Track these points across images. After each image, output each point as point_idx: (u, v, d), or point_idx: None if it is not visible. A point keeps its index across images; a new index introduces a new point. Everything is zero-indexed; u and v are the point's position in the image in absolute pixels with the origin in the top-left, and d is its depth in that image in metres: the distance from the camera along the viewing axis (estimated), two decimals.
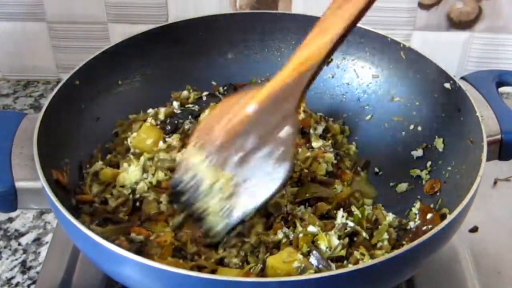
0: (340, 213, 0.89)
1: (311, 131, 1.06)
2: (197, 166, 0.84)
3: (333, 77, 1.13)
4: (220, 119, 0.83)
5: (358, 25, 1.06)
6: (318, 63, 0.75)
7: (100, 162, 0.98)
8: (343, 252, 0.82)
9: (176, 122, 1.06)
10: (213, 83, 1.15)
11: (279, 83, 0.77)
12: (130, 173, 0.95)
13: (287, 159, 0.76)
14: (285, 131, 0.75)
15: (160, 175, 0.95)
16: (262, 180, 0.78)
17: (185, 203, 0.86)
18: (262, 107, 0.78)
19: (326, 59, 0.75)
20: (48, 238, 1.07)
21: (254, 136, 0.78)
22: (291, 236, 0.85)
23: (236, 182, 0.80)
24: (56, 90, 0.93)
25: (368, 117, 1.10)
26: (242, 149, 0.79)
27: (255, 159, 0.78)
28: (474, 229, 1.06)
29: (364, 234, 0.86)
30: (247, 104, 0.80)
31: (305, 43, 0.76)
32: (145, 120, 1.05)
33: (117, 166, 0.99)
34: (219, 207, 0.82)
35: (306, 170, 0.98)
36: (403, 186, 0.99)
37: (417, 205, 0.94)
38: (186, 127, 1.05)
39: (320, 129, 1.07)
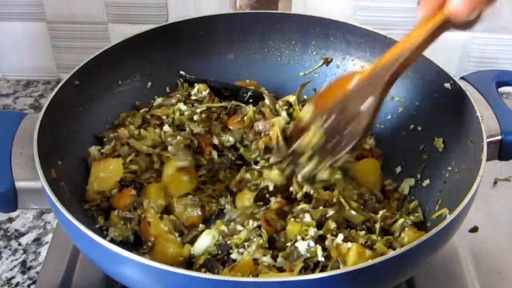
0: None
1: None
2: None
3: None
4: (330, 93, 0.92)
5: (358, 25, 1.07)
6: (411, 50, 0.83)
7: None
8: None
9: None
10: None
11: (377, 65, 0.86)
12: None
13: (360, 126, 0.87)
14: (367, 102, 0.86)
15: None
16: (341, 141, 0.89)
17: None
18: (360, 84, 0.88)
19: (420, 49, 0.85)
20: (48, 238, 1.07)
21: (346, 107, 0.89)
22: None
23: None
24: (56, 90, 0.93)
25: None
26: (334, 115, 0.90)
27: (341, 123, 0.89)
28: (474, 229, 1.06)
29: None
30: (350, 81, 0.90)
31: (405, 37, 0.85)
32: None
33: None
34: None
35: None
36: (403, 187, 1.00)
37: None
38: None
39: None
